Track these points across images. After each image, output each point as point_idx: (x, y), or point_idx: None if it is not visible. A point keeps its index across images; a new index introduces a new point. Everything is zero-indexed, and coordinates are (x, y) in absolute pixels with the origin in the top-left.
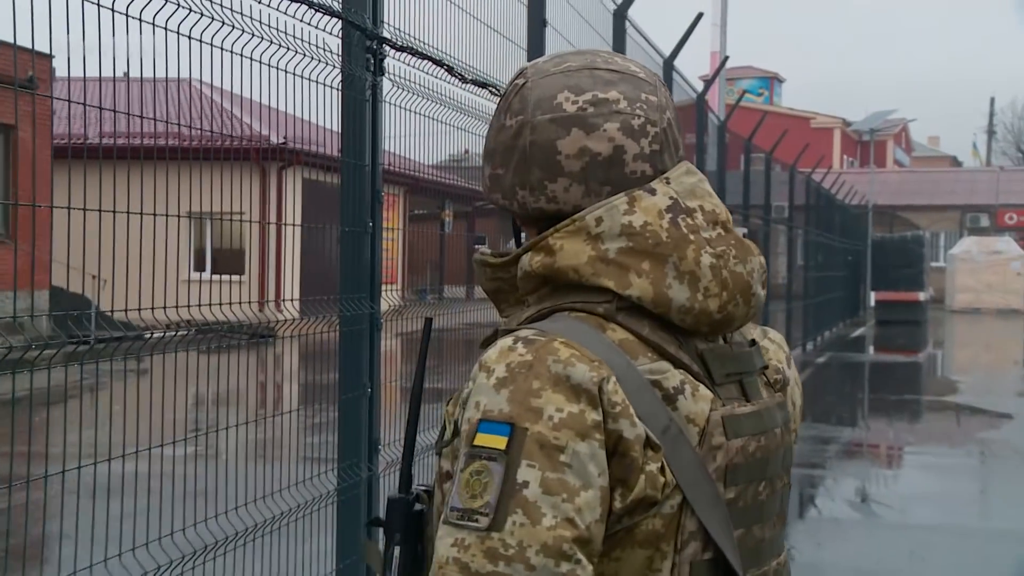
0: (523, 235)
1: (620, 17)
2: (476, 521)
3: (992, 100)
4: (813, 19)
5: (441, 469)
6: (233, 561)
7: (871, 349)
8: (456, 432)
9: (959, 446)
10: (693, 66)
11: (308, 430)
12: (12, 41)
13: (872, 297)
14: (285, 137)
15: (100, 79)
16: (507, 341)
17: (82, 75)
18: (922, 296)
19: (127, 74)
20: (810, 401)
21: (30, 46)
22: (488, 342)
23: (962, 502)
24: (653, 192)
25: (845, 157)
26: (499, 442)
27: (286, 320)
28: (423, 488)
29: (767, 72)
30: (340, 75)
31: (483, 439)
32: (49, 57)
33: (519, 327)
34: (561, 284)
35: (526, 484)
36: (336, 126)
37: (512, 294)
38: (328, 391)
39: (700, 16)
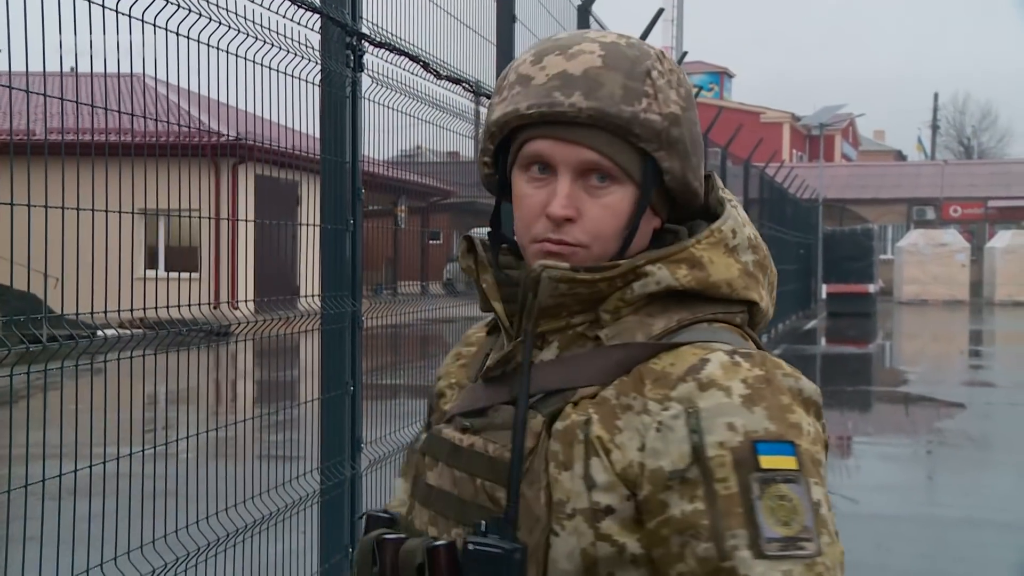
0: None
1: (584, 12)
2: (802, 548)
3: (936, 96)
4: (761, 15)
5: (598, 504)
6: (215, 566)
7: (823, 341)
8: (697, 458)
9: (916, 436)
10: None
11: (273, 428)
12: None
13: (823, 290)
14: (238, 133)
15: (43, 73)
16: (722, 357)
17: (37, 69)
18: (872, 288)
19: (74, 69)
20: None
21: None
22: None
23: (922, 491)
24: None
25: (794, 151)
26: (791, 462)
27: (266, 320)
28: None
29: (717, 67)
30: (320, 71)
31: (771, 461)
32: None
33: (688, 343)
34: (675, 296)
35: (819, 503)
36: (300, 123)
37: (573, 307)
38: (288, 389)
39: (661, 11)
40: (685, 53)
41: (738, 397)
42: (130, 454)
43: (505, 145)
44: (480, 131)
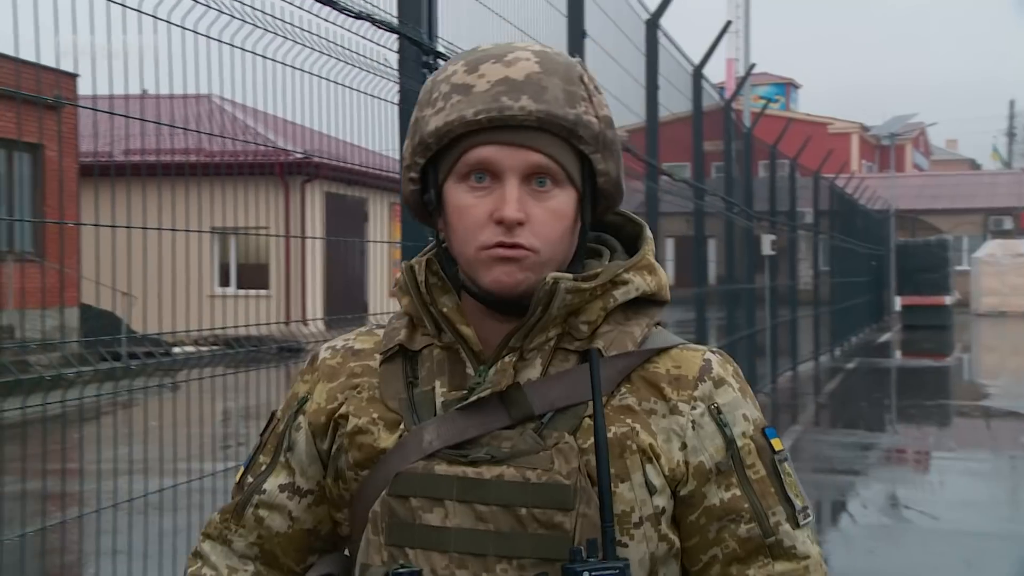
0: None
1: (653, 26)
2: (808, 515)
3: (1012, 103)
4: (827, 25)
5: (658, 508)
6: None
7: (899, 354)
8: (730, 450)
9: (999, 451)
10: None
11: None
12: (36, 61)
13: (898, 302)
14: (306, 151)
15: (105, 95)
16: (713, 355)
17: (114, 93)
18: (948, 300)
19: (145, 91)
20: (843, 407)
21: (55, 65)
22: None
23: (1010, 508)
24: None
25: (863, 161)
26: (781, 443)
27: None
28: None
29: (783, 78)
30: (399, 90)
31: (777, 444)
32: (73, 76)
33: (673, 346)
34: (626, 303)
35: None
36: (372, 141)
37: (557, 319)
38: None
39: (729, 24)
40: (753, 65)
41: (738, 391)
42: (225, 470)
43: (434, 159)
44: (405, 147)
